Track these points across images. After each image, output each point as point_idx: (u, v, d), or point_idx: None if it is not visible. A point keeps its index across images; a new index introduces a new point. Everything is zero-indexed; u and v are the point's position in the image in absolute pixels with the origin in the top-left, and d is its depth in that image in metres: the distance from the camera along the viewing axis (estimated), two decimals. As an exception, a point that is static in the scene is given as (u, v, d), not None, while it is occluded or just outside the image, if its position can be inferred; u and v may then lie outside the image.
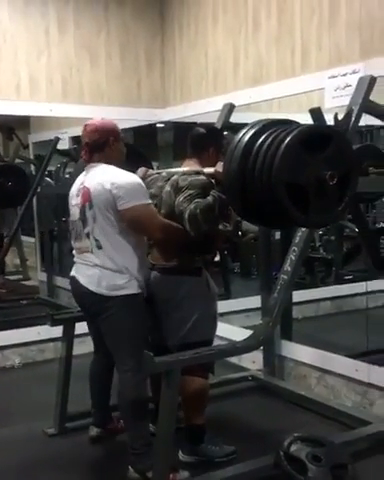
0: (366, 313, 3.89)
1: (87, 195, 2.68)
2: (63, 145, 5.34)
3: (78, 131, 5.36)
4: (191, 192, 2.64)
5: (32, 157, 6.07)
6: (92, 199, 2.66)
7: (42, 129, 5.80)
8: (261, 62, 4.02)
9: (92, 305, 2.73)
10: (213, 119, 3.91)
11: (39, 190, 5.72)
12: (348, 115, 2.85)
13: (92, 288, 2.68)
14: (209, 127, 3.04)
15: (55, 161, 5.84)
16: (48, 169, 5.89)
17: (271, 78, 3.95)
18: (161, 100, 4.96)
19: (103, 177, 2.66)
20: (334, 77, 3.37)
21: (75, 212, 2.79)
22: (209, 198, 2.59)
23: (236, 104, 3.87)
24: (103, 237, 2.66)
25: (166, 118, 4.93)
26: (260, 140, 2.30)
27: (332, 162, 2.29)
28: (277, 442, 2.71)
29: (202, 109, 4.48)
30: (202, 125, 3.04)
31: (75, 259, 2.84)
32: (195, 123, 4.94)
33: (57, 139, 5.28)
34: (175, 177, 2.75)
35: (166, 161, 5.10)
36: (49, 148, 5.44)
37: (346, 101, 3.00)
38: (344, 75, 3.32)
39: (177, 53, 4.83)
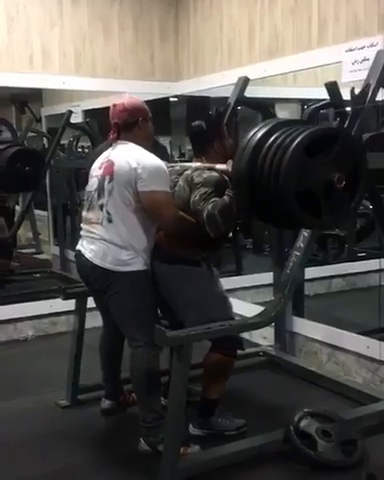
0: (379, 290, 3.87)
1: (110, 168, 2.67)
2: (76, 118, 5.32)
3: (91, 104, 5.39)
4: (206, 190, 2.61)
5: (45, 130, 6.05)
6: (114, 173, 2.64)
7: (54, 102, 5.78)
8: (277, 34, 3.95)
9: (97, 280, 2.73)
10: (227, 93, 3.86)
11: (52, 164, 5.71)
12: (365, 90, 2.79)
13: (97, 262, 2.68)
14: (207, 120, 2.94)
15: (68, 135, 5.82)
16: (61, 143, 5.88)
17: (287, 51, 3.88)
18: (174, 73, 4.90)
19: (130, 155, 2.64)
20: (351, 50, 3.31)
21: (93, 183, 2.77)
22: (226, 198, 2.55)
23: (251, 78, 3.81)
24: (115, 212, 2.65)
25: (179, 92, 4.87)
26: (267, 143, 2.25)
27: (339, 162, 2.25)
28: (287, 417, 2.73)
29: (216, 83, 4.42)
30: (200, 118, 2.93)
31: (82, 232, 2.83)
32: (208, 97, 4.94)
33: (70, 112, 5.26)
34: (188, 172, 2.73)
35: (179, 136, 5.06)
36: (62, 121, 5.41)
37: (363, 75, 2.94)
38: (362, 48, 3.26)
39: (191, 25, 4.75)
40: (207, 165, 2.76)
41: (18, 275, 5.60)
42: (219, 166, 2.73)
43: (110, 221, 2.66)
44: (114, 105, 2.75)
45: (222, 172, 2.69)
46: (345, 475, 2.51)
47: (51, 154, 5.59)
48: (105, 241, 2.67)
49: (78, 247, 2.83)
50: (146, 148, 2.71)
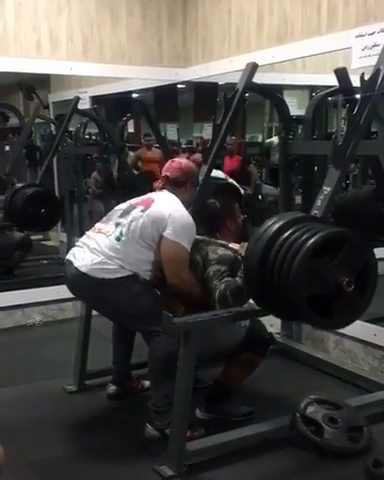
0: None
1: (148, 203, 2.76)
2: (83, 105, 5.30)
3: (98, 91, 5.36)
4: (220, 268, 2.65)
5: (52, 117, 6.04)
6: (150, 208, 2.71)
7: (62, 88, 5.75)
8: (286, 20, 3.91)
9: (84, 289, 2.75)
10: (235, 79, 3.83)
11: (59, 150, 5.70)
12: (375, 76, 2.77)
13: (83, 270, 2.69)
14: (222, 200, 2.96)
15: (75, 121, 5.80)
16: (68, 129, 5.86)
17: (296, 37, 3.84)
18: (183, 59, 4.86)
19: (171, 203, 2.76)
20: (361, 36, 3.27)
21: (124, 205, 2.84)
22: (238, 280, 2.58)
23: (260, 63, 3.78)
24: (128, 237, 2.68)
25: (187, 78, 4.84)
26: (281, 239, 2.29)
27: (348, 264, 2.29)
28: (294, 404, 2.74)
29: (224, 69, 4.38)
30: (213, 199, 2.96)
31: (81, 239, 2.85)
32: (216, 83, 4.91)
33: (77, 99, 5.23)
34: (203, 245, 2.78)
35: (187, 122, 5.04)
36: (69, 108, 5.39)
37: (373, 61, 2.91)
38: (372, 34, 3.22)
39: (199, 10, 4.70)
40: (221, 242, 2.82)
41: (26, 261, 5.61)
42: (232, 245, 2.79)
43: (118, 240, 2.69)
44: (172, 160, 2.95)
45: (236, 252, 2.74)
46: (351, 462, 2.52)
47: (58, 141, 5.58)
48: (99, 252, 2.69)
49: (68, 256, 2.83)
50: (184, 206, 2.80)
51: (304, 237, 2.25)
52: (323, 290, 2.27)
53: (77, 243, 2.87)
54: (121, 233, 2.70)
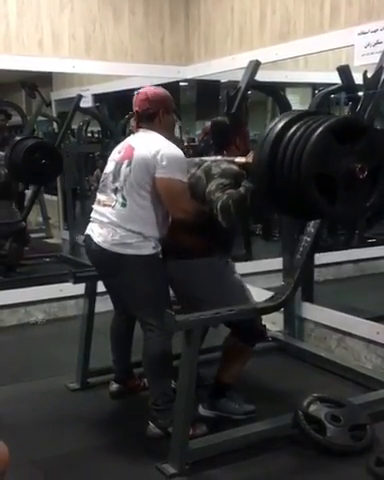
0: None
1: (130, 153, 2.67)
2: (86, 103, 5.29)
3: (101, 88, 5.36)
4: (223, 181, 2.62)
5: (55, 115, 6.04)
6: (133, 158, 2.65)
7: (64, 86, 5.76)
8: (288, 17, 3.90)
9: (106, 264, 2.74)
10: (238, 77, 3.83)
11: (61, 148, 5.70)
12: (378, 73, 2.77)
13: (106, 246, 2.68)
14: (231, 118, 2.99)
15: (77, 119, 5.80)
16: (70, 127, 5.86)
17: (298, 34, 3.84)
18: (185, 57, 4.85)
19: (151, 142, 2.65)
20: (364, 33, 3.26)
21: (110, 166, 2.78)
22: (241, 189, 2.55)
23: (262, 61, 3.77)
24: (130, 197, 2.65)
25: (190, 75, 4.83)
26: (292, 130, 2.23)
27: (363, 156, 2.23)
28: (296, 402, 2.74)
29: (227, 66, 4.38)
30: (222, 116, 2.98)
31: (92, 214, 2.83)
32: (219, 81, 4.90)
33: (79, 97, 5.23)
34: (207, 163, 2.74)
35: (189, 120, 5.03)
36: (71, 106, 5.39)
37: (376, 59, 2.91)
38: (375, 31, 3.21)
39: (202, 8, 4.69)
40: (226, 158, 2.77)
41: (28, 259, 5.62)
42: (239, 159, 2.73)
43: (123, 206, 2.66)
44: (137, 93, 2.77)
45: (241, 166, 2.70)
46: (354, 460, 2.52)
47: (61, 139, 5.58)
48: (114, 225, 2.67)
49: (87, 231, 2.83)
50: (166, 138, 2.71)
51: (321, 120, 2.20)
52: (334, 171, 2.20)
53: (91, 218, 2.85)
54: (123, 197, 2.66)
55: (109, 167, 2.79)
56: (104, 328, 3.16)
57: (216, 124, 2.91)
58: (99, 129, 6.00)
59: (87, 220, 2.90)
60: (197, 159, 2.86)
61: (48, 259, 5.88)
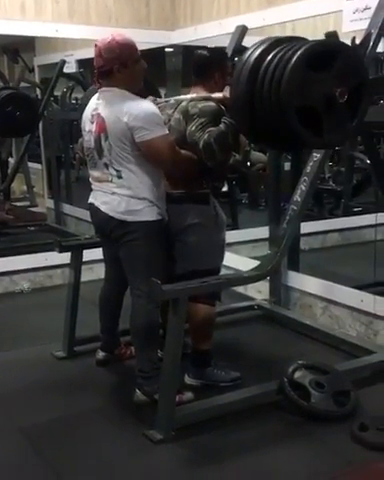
0: (374, 245, 3.88)
1: (102, 125, 2.61)
2: (69, 68, 5.20)
3: (85, 54, 5.25)
4: (202, 120, 2.58)
5: (38, 81, 5.92)
6: (107, 130, 2.59)
7: (48, 51, 5.63)
8: (277, -19, 3.83)
9: (112, 230, 2.73)
10: (225, 42, 3.77)
11: (45, 115, 5.61)
12: (366, 39, 2.73)
13: (112, 214, 2.68)
14: (212, 50, 2.91)
15: (61, 85, 5.70)
16: (54, 93, 5.76)
17: (286, -1, 3.78)
18: (170, 22, 4.76)
19: (118, 107, 2.55)
20: (353, -2, 3.21)
21: (90, 139, 2.72)
22: (221, 126, 2.53)
23: (249, 26, 3.72)
24: (122, 168, 2.62)
25: (176, 41, 4.75)
26: (267, 60, 2.18)
27: (342, 78, 2.18)
28: (281, 369, 2.77)
29: (213, 32, 4.30)
30: (204, 48, 2.89)
31: (93, 187, 2.81)
32: (205, 47, 4.82)
33: (63, 62, 5.14)
34: (184, 104, 2.68)
35: (174, 88, 4.96)
36: (55, 71, 5.29)
37: (365, 25, 2.87)
38: (363, -4, 3.16)
39: (188, -29, 4.60)
40: (203, 96, 2.70)
41: (13, 228, 5.58)
42: (215, 95, 2.68)
43: (120, 177, 2.64)
44: (94, 46, 2.62)
45: (218, 101, 2.65)
46: (338, 425, 2.56)
47: (44, 105, 5.48)
48: (118, 195, 2.66)
49: (91, 200, 2.82)
50: (134, 91, 2.61)
51: (295, 47, 2.15)
52: (315, 101, 2.17)
53: (93, 187, 2.81)
54: (116, 170, 2.63)
55: (89, 141, 2.72)
56: (90, 297, 3.16)
57: (198, 56, 2.81)
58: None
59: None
60: (172, 100, 2.80)
61: (33, 228, 5.84)
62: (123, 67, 2.57)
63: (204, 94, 2.72)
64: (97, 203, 2.76)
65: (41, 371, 3.17)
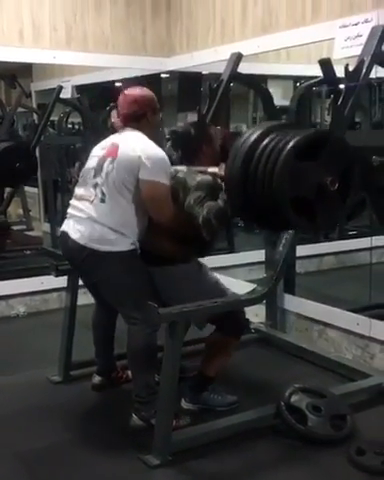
0: (370, 268, 3.90)
1: (114, 151, 2.68)
2: (66, 94, 5.25)
3: (82, 80, 5.32)
4: (200, 194, 2.63)
5: (35, 106, 5.97)
6: (117, 156, 2.65)
7: (45, 77, 5.69)
8: (270, 10, 3.91)
9: (83, 261, 2.72)
10: (220, 69, 3.82)
11: (42, 140, 5.64)
12: (359, 66, 2.78)
13: (83, 242, 2.66)
14: (194, 123, 3.05)
15: (58, 110, 5.75)
16: (51, 119, 5.80)
17: (280, 27, 3.85)
18: (167, 49, 4.84)
19: (136, 143, 2.67)
20: (345, 26, 3.27)
21: (92, 162, 2.77)
22: (220, 202, 2.57)
23: (244, 53, 3.77)
24: (110, 193, 2.65)
25: (172, 67, 4.82)
26: (260, 148, 2.26)
27: (329, 165, 2.27)
28: (278, 393, 2.76)
29: (209, 58, 4.37)
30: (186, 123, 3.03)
31: (69, 210, 2.81)
32: (201, 73, 4.89)
33: (60, 88, 5.17)
34: (181, 175, 2.73)
35: (171, 112, 5.02)
36: (52, 97, 5.34)
37: (357, 51, 2.93)
38: (356, 24, 3.22)
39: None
40: (198, 168, 2.77)
41: (9, 252, 5.58)
42: (211, 169, 2.75)
43: (102, 201, 2.66)
44: (124, 95, 2.80)
45: (214, 175, 2.71)
46: (334, 449, 2.55)
47: (41, 130, 5.52)
48: (92, 220, 2.66)
49: (63, 228, 2.80)
50: (151, 138, 2.73)
51: (286, 139, 2.21)
52: (307, 191, 2.24)
53: (67, 214, 2.82)
54: (103, 193, 2.65)
55: (91, 162, 2.78)
56: (86, 321, 3.16)
57: (180, 135, 2.91)
58: (80, 121, 5.95)
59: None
60: (171, 169, 2.82)
61: (29, 252, 5.83)
62: (153, 114, 2.80)
63: (199, 167, 2.78)
64: (69, 231, 2.73)
65: (37, 395, 3.15)
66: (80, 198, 2.75)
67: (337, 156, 2.29)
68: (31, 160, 5.14)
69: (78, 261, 2.76)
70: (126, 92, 2.82)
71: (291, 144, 2.19)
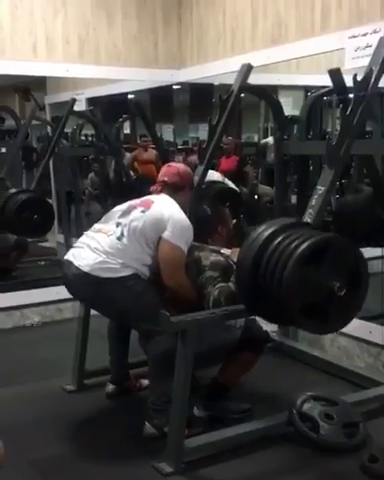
0: (382, 276, 3.89)
1: (148, 204, 2.80)
2: (79, 107, 5.32)
3: (95, 92, 5.39)
4: (212, 274, 2.72)
5: (48, 119, 6.05)
6: (150, 209, 2.76)
7: (58, 90, 5.77)
8: (280, 21, 3.95)
9: (87, 289, 2.75)
10: (230, 80, 3.86)
11: (56, 152, 5.71)
12: (368, 76, 2.80)
13: (86, 269, 2.70)
14: (211, 205, 3.13)
15: (71, 123, 5.82)
16: (64, 131, 5.87)
17: (290, 38, 3.88)
18: (178, 61, 4.90)
19: (171, 206, 2.80)
20: (354, 37, 3.31)
21: (122, 206, 2.88)
22: (231, 285, 2.66)
23: (254, 64, 3.81)
24: (129, 236, 2.72)
25: (183, 79, 4.87)
26: (271, 248, 2.29)
27: (335, 268, 2.29)
28: (290, 401, 2.77)
29: (219, 70, 4.42)
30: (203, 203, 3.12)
31: (80, 239, 2.86)
32: (212, 84, 4.94)
33: (73, 100, 5.25)
34: (196, 253, 2.81)
35: (182, 124, 5.07)
36: (65, 109, 5.41)
37: (366, 62, 2.94)
38: (365, 35, 3.26)
39: (194, 12, 4.74)
40: (212, 248, 2.87)
41: (24, 263, 5.63)
42: (224, 251, 2.84)
43: (119, 239, 2.72)
44: (169, 165, 3.05)
45: (227, 257, 2.79)
46: (347, 457, 2.56)
47: (55, 142, 5.59)
48: (102, 252, 2.70)
49: (67, 257, 2.84)
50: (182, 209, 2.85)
51: (293, 246, 2.25)
52: (316, 297, 2.28)
53: (76, 244, 2.89)
54: (122, 233, 2.73)
55: (121, 206, 2.89)
56: (100, 330, 3.19)
57: (196, 215, 2.97)
58: (93, 132, 6.01)
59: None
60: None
61: (43, 262, 5.88)
62: (189, 189, 3.02)
63: (213, 247, 2.88)
64: (74, 260, 2.77)
65: (51, 404, 3.18)
66: (98, 231, 2.83)
67: (341, 258, 2.32)
68: (48, 213, 5.19)
69: (81, 290, 2.83)
70: (171, 164, 3.09)
71: (296, 256, 2.20)
